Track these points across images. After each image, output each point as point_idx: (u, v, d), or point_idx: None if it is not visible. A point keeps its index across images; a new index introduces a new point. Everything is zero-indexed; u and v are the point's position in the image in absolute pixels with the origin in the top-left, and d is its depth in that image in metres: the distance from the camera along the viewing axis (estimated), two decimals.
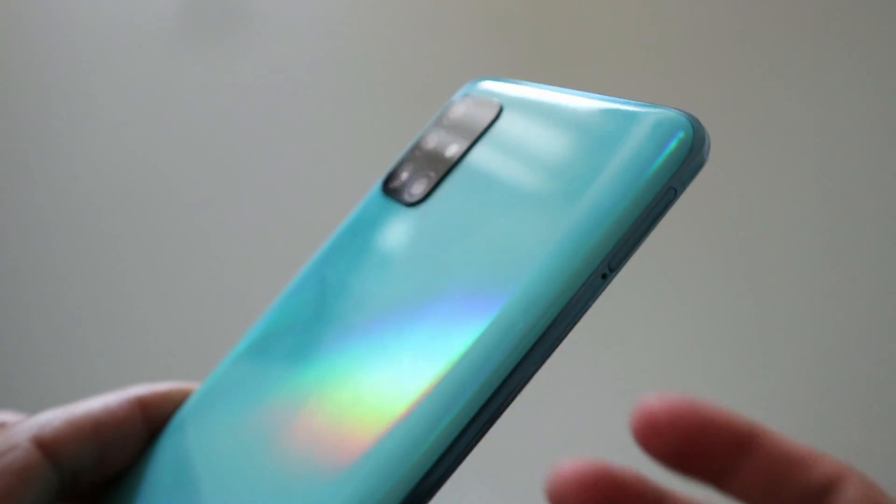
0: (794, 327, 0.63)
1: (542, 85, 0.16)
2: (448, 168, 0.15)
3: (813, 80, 0.62)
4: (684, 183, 0.12)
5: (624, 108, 0.13)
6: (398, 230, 0.15)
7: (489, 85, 0.17)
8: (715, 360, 0.64)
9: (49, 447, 0.13)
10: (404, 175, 0.16)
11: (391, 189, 0.16)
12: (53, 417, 0.14)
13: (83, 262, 0.95)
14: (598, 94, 0.14)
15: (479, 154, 0.15)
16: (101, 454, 0.14)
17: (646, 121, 0.12)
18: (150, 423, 0.15)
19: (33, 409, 0.97)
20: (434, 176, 0.16)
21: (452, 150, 0.16)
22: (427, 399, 0.11)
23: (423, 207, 0.15)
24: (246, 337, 0.17)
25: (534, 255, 0.11)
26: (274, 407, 0.14)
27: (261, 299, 0.84)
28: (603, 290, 0.11)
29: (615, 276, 0.11)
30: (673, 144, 0.11)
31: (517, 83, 0.16)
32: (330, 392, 0.13)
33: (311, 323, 0.15)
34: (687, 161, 0.11)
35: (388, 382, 0.12)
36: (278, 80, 0.84)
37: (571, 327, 0.11)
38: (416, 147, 0.17)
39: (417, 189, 0.16)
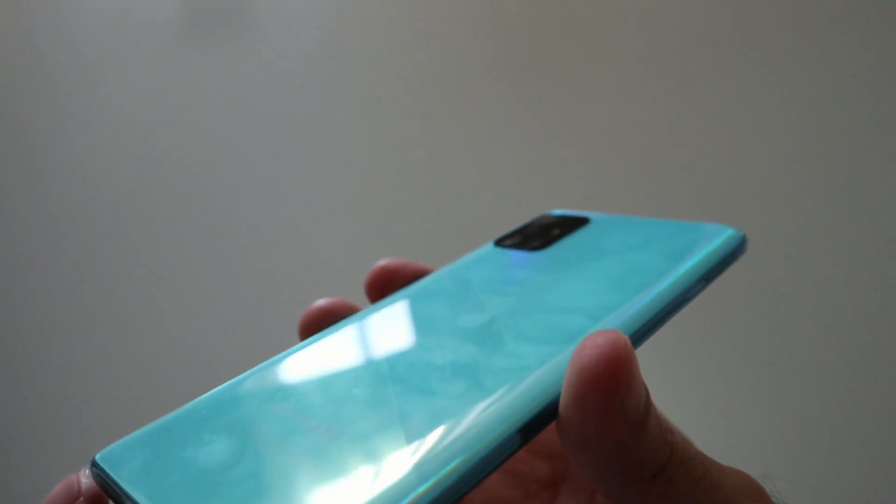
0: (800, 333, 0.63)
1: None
2: (557, 238, 0.23)
3: (811, 80, 0.62)
4: (733, 260, 0.20)
5: (687, 223, 0.22)
6: (527, 263, 0.21)
7: (572, 211, 0.25)
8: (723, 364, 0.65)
9: None
10: (517, 238, 0.23)
11: (508, 244, 0.23)
12: None
13: (87, 260, 0.95)
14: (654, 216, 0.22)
15: (585, 234, 0.23)
16: None
17: (710, 227, 0.21)
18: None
19: (37, 410, 0.97)
20: (546, 241, 0.22)
21: (557, 232, 0.23)
22: (626, 316, 0.17)
23: (545, 252, 0.22)
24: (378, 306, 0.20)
25: (667, 265, 0.19)
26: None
27: (262, 299, 0.85)
28: (704, 289, 0.19)
29: (710, 284, 0.19)
30: (732, 238, 0.20)
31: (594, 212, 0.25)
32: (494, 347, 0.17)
33: (463, 305, 0.19)
34: (738, 248, 0.20)
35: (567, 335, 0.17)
36: (280, 81, 0.84)
37: (685, 304, 0.18)
38: (525, 228, 0.24)
39: (535, 244, 0.22)
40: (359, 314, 0.20)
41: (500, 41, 0.72)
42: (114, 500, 0.14)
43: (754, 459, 0.62)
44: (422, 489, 0.12)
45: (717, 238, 0.20)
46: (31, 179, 0.98)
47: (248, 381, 0.17)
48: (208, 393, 0.16)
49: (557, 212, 0.25)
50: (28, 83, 0.98)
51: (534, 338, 0.16)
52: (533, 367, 0.15)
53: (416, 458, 0.13)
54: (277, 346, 0.84)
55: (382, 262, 0.22)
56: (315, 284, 0.82)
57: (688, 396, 0.65)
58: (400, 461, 0.13)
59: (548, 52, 0.70)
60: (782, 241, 0.63)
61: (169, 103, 0.88)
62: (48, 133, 0.96)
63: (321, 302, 0.21)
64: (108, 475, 0.14)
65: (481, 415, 0.14)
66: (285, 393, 0.16)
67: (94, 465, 0.14)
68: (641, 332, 0.17)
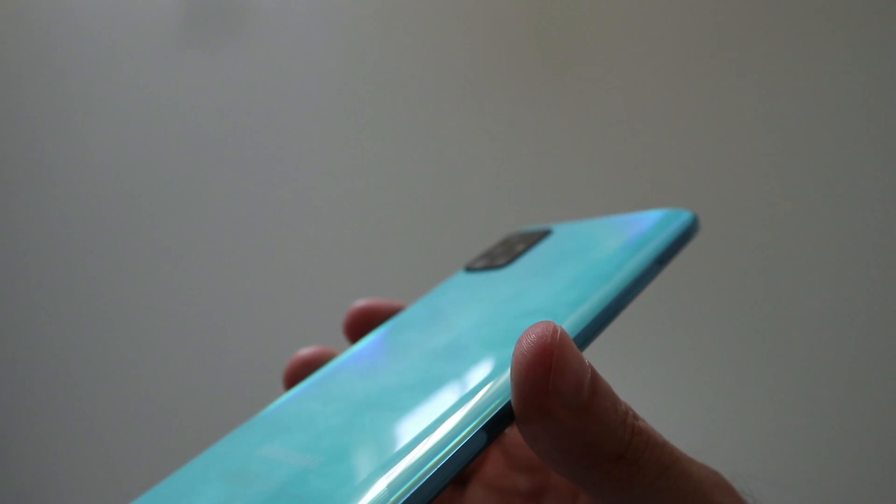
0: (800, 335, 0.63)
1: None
2: (521, 252, 0.24)
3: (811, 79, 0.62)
4: (689, 237, 0.22)
5: (641, 213, 0.23)
6: (494, 280, 0.23)
7: (537, 225, 0.25)
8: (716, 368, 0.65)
9: None
10: (485, 260, 0.25)
11: (476, 267, 0.25)
12: None
13: (82, 263, 0.94)
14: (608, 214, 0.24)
15: (547, 244, 0.24)
16: None
17: (661, 213, 0.23)
18: None
19: (39, 408, 0.97)
20: (511, 257, 0.24)
21: (521, 247, 0.25)
22: (581, 308, 0.19)
23: (510, 267, 0.23)
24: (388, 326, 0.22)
25: (621, 256, 0.20)
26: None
27: (263, 301, 0.84)
28: (661, 270, 0.20)
29: (665, 266, 0.21)
30: (682, 220, 0.22)
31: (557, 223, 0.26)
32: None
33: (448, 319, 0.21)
34: (692, 225, 0.22)
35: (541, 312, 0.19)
36: (281, 82, 0.84)
37: (642, 287, 0.20)
38: (491, 249, 0.26)
39: (500, 261, 0.24)
40: (338, 359, 0.21)
41: (501, 45, 0.72)
42: None
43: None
44: (397, 494, 0.13)
45: (666, 221, 0.22)
46: (31, 178, 0.97)
47: (238, 435, 0.18)
48: (199, 455, 0.18)
49: (521, 229, 0.27)
50: (28, 82, 0.97)
51: (496, 343, 0.18)
52: (495, 370, 0.16)
53: (388, 470, 0.14)
54: (273, 345, 0.84)
55: (359, 304, 0.24)
56: (315, 284, 0.82)
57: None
58: (374, 475, 0.14)
59: (547, 56, 0.70)
60: (771, 242, 0.63)
61: (168, 103, 0.88)
62: (48, 132, 0.96)
63: (303, 353, 0.23)
64: None
65: (447, 420, 0.15)
66: (272, 438, 0.17)
67: None
68: (599, 321, 0.18)
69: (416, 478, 0.13)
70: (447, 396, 0.16)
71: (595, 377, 0.14)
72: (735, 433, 0.63)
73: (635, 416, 0.15)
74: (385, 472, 0.14)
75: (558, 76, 0.70)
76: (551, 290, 0.20)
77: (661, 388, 0.66)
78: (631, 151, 0.67)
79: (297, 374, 0.23)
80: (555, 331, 0.14)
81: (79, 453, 0.94)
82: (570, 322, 0.18)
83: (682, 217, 0.22)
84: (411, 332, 0.21)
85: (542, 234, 0.25)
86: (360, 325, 0.24)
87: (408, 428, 0.15)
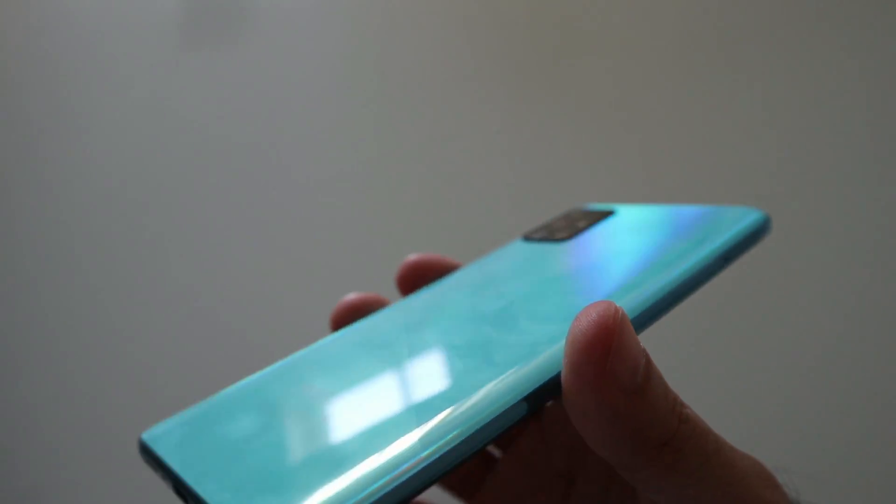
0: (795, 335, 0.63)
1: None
2: (582, 229, 0.24)
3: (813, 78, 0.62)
4: (755, 240, 0.21)
5: (711, 207, 0.23)
6: (552, 253, 0.22)
7: (599, 204, 0.24)
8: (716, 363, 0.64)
9: None
10: (544, 232, 0.25)
11: (535, 238, 0.24)
12: None
13: (83, 264, 0.95)
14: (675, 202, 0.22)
15: (609, 224, 0.24)
16: None
17: (733, 209, 0.22)
18: None
19: (41, 407, 0.97)
20: (572, 232, 0.24)
21: (583, 224, 0.24)
22: (641, 293, 0.18)
23: (570, 242, 0.23)
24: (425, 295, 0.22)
25: (687, 247, 0.20)
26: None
27: (262, 301, 0.84)
28: (725, 268, 0.20)
29: (731, 263, 0.20)
30: (754, 219, 0.21)
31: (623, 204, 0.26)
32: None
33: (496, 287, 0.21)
34: (764, 225, 0.21)
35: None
36: (281, 82, 0.84)
37: (704, 282, 0.19)
38: (552, 221, 0.26)
39: (560, 235, 0.24)
40: (386, 308, 0.21)
41: (503, 41, 0.72)
42: (160, 473, 0.15)
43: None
44: (427, 451, 0.13)
45: (738, 219, 0.21)
46: (32, 179, 0.98)
47: (280, 368, 0.18)
48: (245, 379, 0.18)
49: (584, 206, 0.27)
50: (28, 82, 0.98)
51: (548, 318, 0.17)
52: (543, 343, 0.16)
53: (424, 425, 0.14)
54: (292, 341, 0.84)
55: (412, 257, 0.24)
56: (315, 287, 0.82)
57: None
58: (412, 427, 0.14)
59: (553, 49, 0.70)
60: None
61: (168, 102, 0.88)
62: (48, 132, 0.97)
63: (351, 296, 0.23)
64: (152, 451, 0.16)
65: (490, 385, 0.15)
66: (312, 377, 0.17)
67: (140, 442, 0.16)
68: (656, 308, 0.18)
69: (450, 436, 0.13)
70: (492, 361, 0.16)
71: (649, 362, 0.14)
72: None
73: (682, 404, 0.15)
74: (418, 428, 0.14)
75: (563, 70, 0.69)
76: (611, 270, 0.19)
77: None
78: (635, 145, 0.67)
79: (344, 318, 0.23)
80: (616, 311, 0.14)
81: (79, 451, 0.94)
82: (628, 306, 0.17)
83: (754, 216, 0.21)
84: (465, 292, 0.21)
85: (605, 214, 0.25)
86: (414, 278, 0.24)
87: (447, 387, 0.15)
